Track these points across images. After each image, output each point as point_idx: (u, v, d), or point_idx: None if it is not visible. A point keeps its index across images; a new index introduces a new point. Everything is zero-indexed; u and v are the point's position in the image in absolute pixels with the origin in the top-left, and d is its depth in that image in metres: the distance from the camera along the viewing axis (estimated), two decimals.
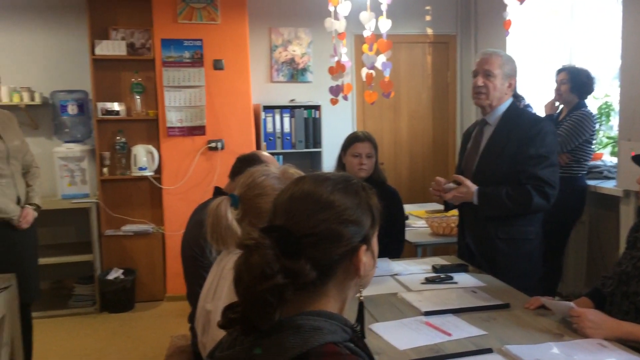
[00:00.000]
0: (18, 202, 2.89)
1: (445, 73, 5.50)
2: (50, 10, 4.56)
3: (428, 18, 5.36)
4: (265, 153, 2.33)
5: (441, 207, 4.04)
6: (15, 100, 4.34)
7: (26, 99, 4.38)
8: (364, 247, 1.01)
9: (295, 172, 1.67)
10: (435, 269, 2.45)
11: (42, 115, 4.58)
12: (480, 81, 2.44)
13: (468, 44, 5.43)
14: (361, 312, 1.07)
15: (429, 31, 5.37)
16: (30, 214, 2.92)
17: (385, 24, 3.51)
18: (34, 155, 3.10)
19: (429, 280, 2.30)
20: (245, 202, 1.59)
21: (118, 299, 4.35)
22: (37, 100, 4.41)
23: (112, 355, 3.60)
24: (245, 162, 2.27)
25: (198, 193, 4.52)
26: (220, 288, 1.61)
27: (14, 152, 2.87)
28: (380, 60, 3.55)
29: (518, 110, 2.56)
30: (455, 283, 2.28)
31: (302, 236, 0.96)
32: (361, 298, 1.07)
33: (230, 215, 1.55)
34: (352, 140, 3.02)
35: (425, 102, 5.49)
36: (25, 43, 4.53)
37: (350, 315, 1.04)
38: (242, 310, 0.94)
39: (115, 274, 4.38)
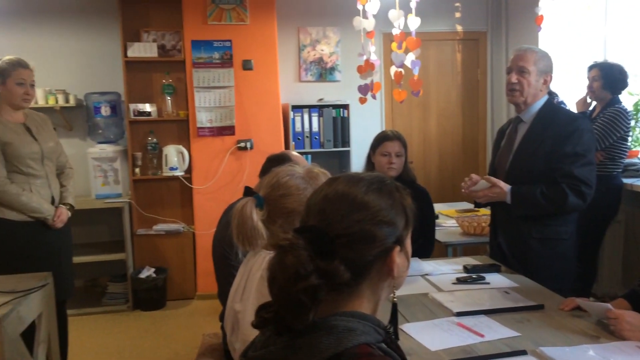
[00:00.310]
0: (52, 202, 2.96)
1: (476, 70, 5.43)
2: (83, 14, 4.67)
3: (458, 15, 5.29)
4: (294, 153, 2.33)
5: (472, 206, 4.00)
6: (51, 102, 4.45)
7: (61, 101, 4.48)
8: (397, 248, 1.00)
9: (319, 171, 1.66)
10: (466, 269, 2.42)
11: (76, 117, 4.69)
12: (514, 78, 2.39)
13: (499, 41, 5.35)
14: (394, 313, 1.07)
15: (459, 28, 5.31)
16: (64, 214, 2.98)
17: (414, 22, 3.48)
18: (67, 156, 3.17)
19: (460, 281, 2.28)
20: (270, 203, 1.59)
21: (150, 297, 4.42)
22: (72, 102, 4.51)
23: (145, 352, 3.66)
24: (275, 162, 2.27)
25: (227, 192, 4.56)
26: (248, 289, 1.62)
27: (48, 153, 2.94)
28: (410, 58, 3.52)
29: (554, 107, 2.50)
30: (487, 283, 2.24)
31: (336, 237, 0.96)
32: (394, 299, 1.06)
33: (256, 216, 1.55)
34: (381, 139, 3.01)
35: (455, 100, 5.43)
36: (60, 46, 4.64)
37: (383, 316, 1.03)
38: (276, 310, 0.94)
39: (147, 272, 4.44)
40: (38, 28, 4.61)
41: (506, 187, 2.37)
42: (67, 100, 4.51)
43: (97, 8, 4.66)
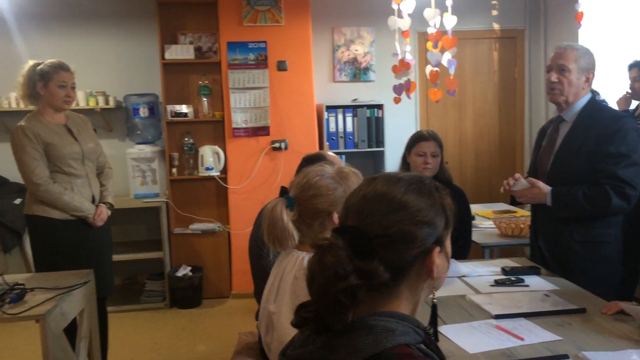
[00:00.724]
0: (93, 201, 3.03)
1: (513, 69, 5.33)
2: (123, 18, 4.77)
3: (495, 13, 5.21)
4: (330, 153, 2.33)
5: (509, 207, 3.93)
6: (91, 104, 4.56)
7: (101, 103, 4.59)
8: (437, 249, 0.99)
9: (350, 170, 1.66)
10: (504, 271, 2.37)
11: (115, 118, 4.80)
12: (554, 76, 2.34)
13: (537, 39, 5.24)
14: (434, 314, 1.06)
15: (496, 26, 5.22)
16: (104, 212, 3.06)
17: (450, 21, 3.44)
18: (107, 157, 3.24)
19: (498, 283, 2.24)
20: (300, 203, 1.59)
21: (186, 296, 4.49)
22: (111, 103, 4.62)
23: (181, 350, 3.72)
24: (311, 162, 2.27)
25: (262, 192, 4.60)
26: (282, 290, 1.62)
27: (88, 153, 3.02)
28: (445, 57, 3.48)
29: (597, 105, 2.42)
30: (527, 286, 2.20)
31: (375, 237, 0.95)
32: (434, 300, 1.05)
33: (286, 217, 1.56)
34: (416, 139, 2.98)
35: (492, 99, 5.34)
36: (100, 49, 4.76)
37: (421, 317, 1.02)
38: (315, 309, 0.94)
39: (184, 271, 4.51)
40: (79, 32, 4.73)
41: (546, 188, 2.31)
42: (107, 102, 4.61)
43: (136, 12, 4.76)
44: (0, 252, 4.26)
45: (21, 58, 4.43)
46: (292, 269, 1.59)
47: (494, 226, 3.38)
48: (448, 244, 1.04)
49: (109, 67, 4.78)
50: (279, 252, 1.79)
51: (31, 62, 2.91)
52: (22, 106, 4.48)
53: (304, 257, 1.58)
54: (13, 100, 4.50)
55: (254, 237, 2.39)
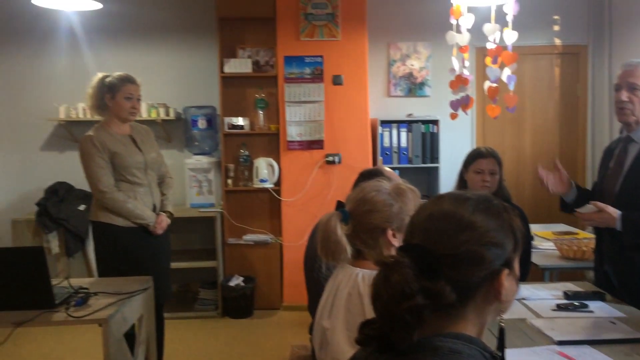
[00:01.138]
0: (154, 209, 3.13)
1: (575, 86, 5.18)
2: (185, 33, 4.93)
3: (556, 28, 5.08)
4: (387, 168, 2.32)
5: (570, 228, 3.80)
6: (153, 115, 4.72)
7: (162, 114, 4.75)
8: (506, 271, 0.97)
9: (407, 187, 1.65)
10: (567, 295, 2.29)
11: (175, 129, 4.95)
12: (624, 95, 2.25)
13: (601, 55, 5.07)
14: (502, 338, 1.03)
15: (557, 42, 5.09)
16: (165, 221, 3.14)
17: (511, 36, 3.38)
18: (168, 167, 3.34)
19: (560, 307, 2.16)
20: (355, 218, 1.59)
21: (238, 305, 4.54)
22: (172, 115, 4.77)
23: (233, 359, 3.76)
24: (368, 177, 2.27)
25: (315, 206, 4.62)
26: (336, 306, 1.62)
27: (151, 163, 3.12)
28: (505, 73, 3.42)
29: None
30: (591, 312, 2.12)
31: (441, 256, 0.94)
32: (502, 324, 1.03)
33: (340, 231, 1.56)
34: (474, 156, 2.93)
35: (552, 116, 5.20)
36: (162, 62, 4.93)
37: (485, 340, 1.00)
38: (380, 328, 0.94)
39: (237, 280, 4.57)
40: (143, 46, 4.92)
41: (615, 212, 2.20)
42: (167, 114, 4.76)
43: (197, 27, 4.92)
44: (63, 256, 4.45)
45: (89, 70, 4.64)
46: (346, 284, 1.59)
47: (554, 248, 3.27)
48: (517, 266, 1.01)
49: (170, 80, 4.94)
50: (333, 265, 1.80)
51: (100, 75, 3.04)
52: (88, 116, 4.69)
53: (359, 274, 1.58)
54: (80, 110, 4.71)
55: (310, 251, 2.40)
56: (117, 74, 3.05)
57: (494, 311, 1.01)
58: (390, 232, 1.58)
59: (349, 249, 1.54)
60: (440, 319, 0.96)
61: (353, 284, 1.56)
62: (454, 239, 0.95)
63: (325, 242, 1.57)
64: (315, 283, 2.27)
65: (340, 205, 2.39)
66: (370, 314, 1.48)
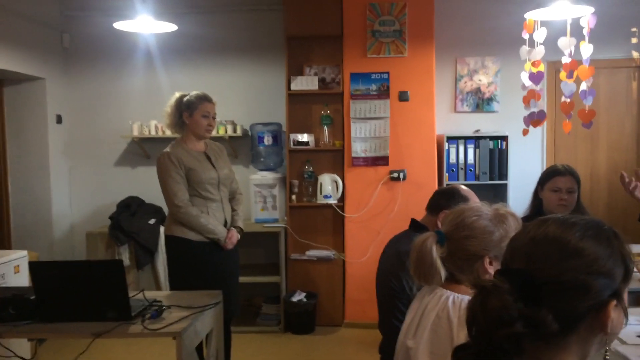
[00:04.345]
0: (225, 224, 3.19)
1: None
2: (253, 52, 5.05)
3: (634, 40, 4.86)
4: (464, 187, 2.26)
5: None
6: (221, 132, 4.83)
7: (230, 131, 4.85)
8: (613, 302, 0.91)
9: (507, 212, 1.58)
10: None
11: (241, 145, 5.05)
12: None
13: None
14: None
15: (635, 55, 4.87)
16: (235, 236, 3.19)
17: (587, 50, 3.27)
18: (238, 183, 3.40)
19: None
20: (452, 242, 1.55)
21: (301, 321, 4.54)
22: (239, 132, 4.87)
23: None
24: (444, 196, 2.23)
25: (379, 222, 4.58)
26: (422, 327, 1.58)
27: (223, 179, 3.19)
28: (581, 88, 3.30)
29: None
30: None
31: (543, 283, 0.90)
32: (607, 357, 0.97)
33: (435, 253, 1.52)
34: (551, 174, 2.83)
35: (629, 132, 4.96)
36: (231, 80, 5.06)
37: None
38: (476, 353, 0.90)
39: (299, 296, 4.58)
40: (213, 65, 5.07)
41: None
42: (234, 130, 4.87)
43: (266, 46, 5.02)
44: (134, 268, 4.59)
45: (162, 89, 4.84)
46: (435, 306, 1.55)
47: (636, 270, 3.09)
48: (626, 297, 0.95)
49: (238, 97, 5.06)
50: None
51: (178, 94, 3.15)
52: (160, 133, 4.86)
53: (450, 297, 1.53)
54: (153, 127, 4.89)
55: (384, 270, 2.36)
56: (194, 93, 3.15)
57: (598, 343, 0.95)
58: (487, 260, 1.53)
59: (442, 272, 1.50)
60: (540, 348, 0.92)
61: (443, 306, 1.52)
62: (559, 266, 0.91)
63: (419, 263, 1.53)
64: (391, 301, 2.23)
65: (414, 223, 2.36)
66: (457, 337, 1.44)
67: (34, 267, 2.42)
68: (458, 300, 1.49)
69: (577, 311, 0.90)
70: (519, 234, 1.00)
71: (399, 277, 2.15)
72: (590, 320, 0.91)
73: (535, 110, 3.51)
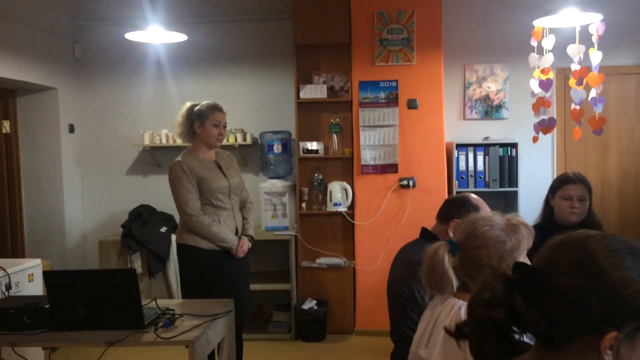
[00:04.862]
0: (236, 232, 3.21)
1: None
2: (262, 61, 5.09)
3: None
4: (474, 195, 2.27)
5: None
6: (231, 140, 4.87)
7: (239, 139, 4.88)
8: (613, 334, 0.88)
9: (518, 221, 1.58)
10: None
11: (251, 154, 5.08)
12: None
13: None
14: None
15: None
16: (246, 244, 3.22)
17: (596, 56, 3.27)
18: (249, 191, 3.42)
19: None
20: (464, 251, 1.55)
21: (311, 329, 4.55)
22: (248, 140, 4.90)
23: None
24: (454, 205, 2.24)
25: (389, 230, 4.59)
26: (434, 336, 1.59)
27: (234, 188, 3.21)
28: (591, 95, 3.30)
29: None
30: None
31: (547, 286, 0.92)
32: None
33: (447, 263, 1.52)
34: (562, 182, 2.83)
35: (639, 138, 4.94)
36: (240, 89, 5.09)
37: None
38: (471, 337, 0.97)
39: (310, 304, 4.58)
40: (223, 74, 5.11)
41: None
42: (244, 139, 4.90)
43: (274, 55, 5.06)
44: (145, 276, 4.62)
45: (172, 98, 4.88)
46: (447, 316, 1.56)
47: None
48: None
49: (247, 106, 5.09)
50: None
51: (189, 104, 3.19)
52: (170, 142, 4.90)
53: (461, 307, 1.54)
54: (164, 136, 4.93)
55: (395, 278, 2.37)
56: (205, 102, 3.19)
57: None
58: None
59: (454, 282, 1.51)
60: (541, 350, 0.95)
61: (455, 316, 1.53)
62: (569, 276, 0.92)
63: (431, 272, 1.53)
64: (402, 310, 2.24)
65: (424, 232, 2.37)
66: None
67: (48, 276, 2.45)
68: None
69: (573, 325, 0.90)
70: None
71: (409, 286, 2.16)
72: (593, 338, 0.90)
73: (545, 117, 3.51)
